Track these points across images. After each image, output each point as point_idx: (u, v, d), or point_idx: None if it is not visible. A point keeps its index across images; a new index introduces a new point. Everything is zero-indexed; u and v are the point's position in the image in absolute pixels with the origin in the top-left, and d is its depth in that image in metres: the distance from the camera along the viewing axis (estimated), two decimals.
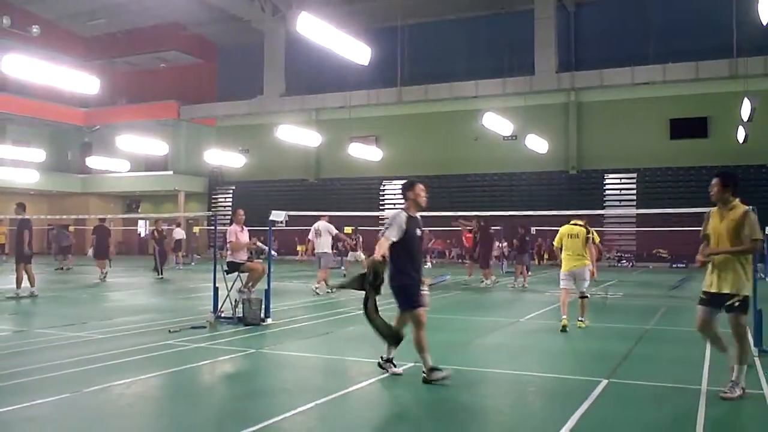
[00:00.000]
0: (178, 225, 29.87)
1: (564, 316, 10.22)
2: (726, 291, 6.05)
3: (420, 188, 6.81)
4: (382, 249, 6.42)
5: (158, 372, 7.11)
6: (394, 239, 6.47)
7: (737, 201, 6.25)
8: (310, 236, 16.49)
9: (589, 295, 10.97)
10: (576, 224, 10.62)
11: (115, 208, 42.98)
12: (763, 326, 8.19)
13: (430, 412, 5.67)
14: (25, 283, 14.59)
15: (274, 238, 33.14)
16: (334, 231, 16.43)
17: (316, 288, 15.75)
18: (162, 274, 21.08)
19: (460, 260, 30.13)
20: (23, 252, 14.47)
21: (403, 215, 6.63)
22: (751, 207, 6.26)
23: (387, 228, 6.56)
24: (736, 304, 6.01)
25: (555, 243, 10.89)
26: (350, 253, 22.81)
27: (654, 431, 5.20)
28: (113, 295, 16.08)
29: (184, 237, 29.17)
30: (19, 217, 14.69)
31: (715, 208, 6.36)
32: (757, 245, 6.07)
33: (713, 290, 6.13)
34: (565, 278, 10.56)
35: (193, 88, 40.70)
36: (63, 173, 40.41)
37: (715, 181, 6.31)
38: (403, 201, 6.88)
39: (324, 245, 16.03)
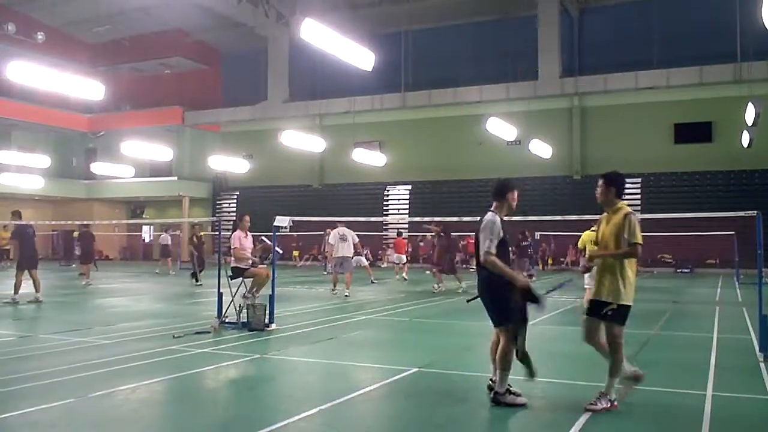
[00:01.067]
0: (167, 230, 29.68)
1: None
2: (603, 298, 5.84)
3: (516, 193, 6.17)
4: (506, 269, 5.81)
5: (162, 377, 7.11)
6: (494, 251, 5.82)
7: (622, 203, 5.99)
8: (332, 240, 17.12)
9: None
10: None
11: (119, 214, 43.08)
12: None
13: (434, 419, 5.66)
14: (30, 289, 14.63)
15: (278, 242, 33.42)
16: (357, 238, 17.15)
17: (346, 293, 16.42)
18: (200, 280, 20.59)
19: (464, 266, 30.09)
20: (22, 258, 14.62)
21: (499, 220, 5.93)
22: (632, 210, 5.96)
23: (489, 240, 5.80)
24: (609, 312, 5.81)
25: (579, 245, 11.72)
26: (355, 258, 22.82)
27: None
28: (117, 300, 16.10)
29: (169, 243, 28.78)
30: (16, 223, 14.90)
31: (605, 213, 6.07)
32: (636, 249, 5.71)
33: (594, 297, 5.93)
34: (591, 277, 10.87)
35: (197, 94, 40.81)
36: (67, 179, 40.51)
37: (599, 182, 6.07)
38: (495, 202, 6.09)
39: (348, 250, 16.66)
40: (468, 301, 6.53)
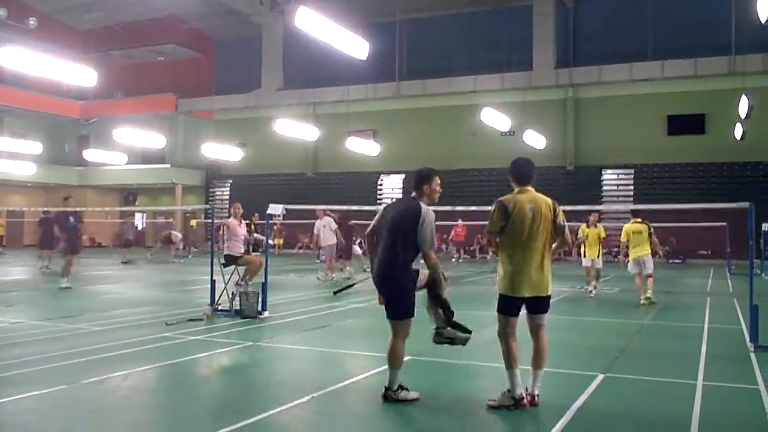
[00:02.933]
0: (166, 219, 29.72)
1: (641, 294, 13.23)
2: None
3: (437, 182, 5.91)
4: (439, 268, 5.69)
5: (155, 364, 7.11)
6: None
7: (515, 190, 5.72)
8: (317, 230, 18.15)
9: (653, 275, 13.63)
10: (637, 222, 13.52)
11: (112, 201, 42.93)
12: (760, 322, 8.19)
13: (427, 405, 5.68)
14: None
15: (277, 231, 33.36)
16: (334, 225, 18.07)
17: (327, 277, 17.40)
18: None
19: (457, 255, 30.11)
20: (64, 245, 15.41)
21: (432, 212, 5.69)
22: (502, 198, 5.64)
23: (431, 233, 5.60)
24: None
25: (622, 238, 13.67)
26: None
27: (649, 425, 5.21)
28: (110, 287, 16.06)
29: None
30: (58, 210, 15.72)
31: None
32: (484, 235, 5.76)
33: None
34: (634, 265, 13.44)
35: (190, 81, 40.59)
36: (60, 166, 40.30)
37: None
38: (416, 192, 5.86)
39: (330, 238, 17.82)
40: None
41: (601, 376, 6.62)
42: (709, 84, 30.14)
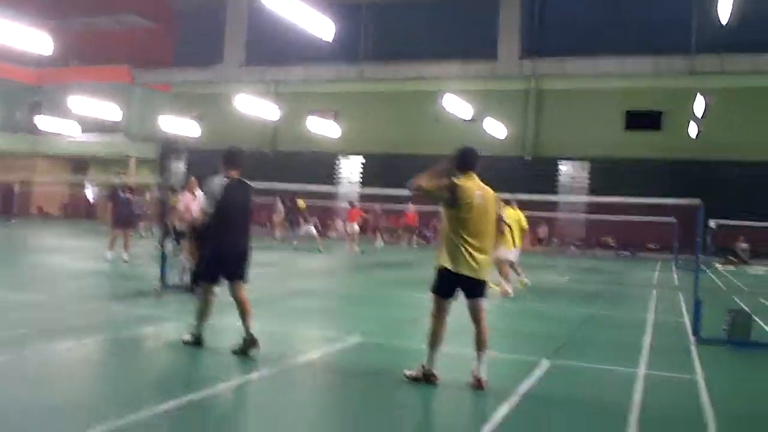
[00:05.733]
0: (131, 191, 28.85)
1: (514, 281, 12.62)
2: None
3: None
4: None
5: (101, 337, 7.00)
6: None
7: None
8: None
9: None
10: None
11: (62, 170, 41.88)
12: (703, 316, 8.41)
13: (374, 387, 5.71)
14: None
15: None
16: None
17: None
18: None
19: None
20: (113, 219, 15.50)
21: (224, 184, 6.48)
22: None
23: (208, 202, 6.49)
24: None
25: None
26: (302, 227, 22.76)
27: (591, 411, 5.34)
28: (58, 259, 15.70)
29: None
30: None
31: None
32: (416, 185, 5.83)
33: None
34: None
35: (149, 52, 39.70)
36: (11, 132, 39.14)
37: None
38: (233, 170, 6.68)
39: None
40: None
41: (546, 362, 6.74)
42: (668, 82, 30.74)
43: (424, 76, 33.27)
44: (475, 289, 5.71)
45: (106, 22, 39.89)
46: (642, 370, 6.66)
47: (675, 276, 19.42)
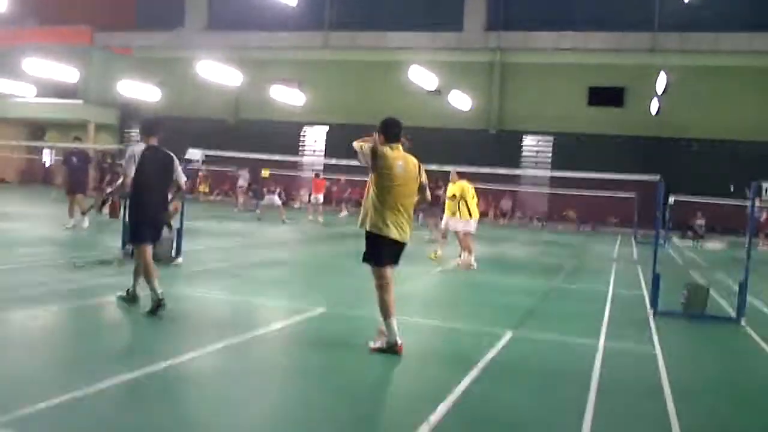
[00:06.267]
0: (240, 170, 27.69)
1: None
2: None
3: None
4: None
5: (62, 305, 6.87)
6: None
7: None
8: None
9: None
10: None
11: (18, 135, 40.70)
12: (661, 290, 8.60)
13: (334, 361, 5.72)
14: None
15: (203, 177, 32.44)
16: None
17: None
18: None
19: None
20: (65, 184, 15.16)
21: (140, 150, 6.82)
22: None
23: (127, 167, 6.81)
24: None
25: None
26: (266, 197, 22.58)
27: (553, 380, 5.43)
28: (15, 225, 15.31)
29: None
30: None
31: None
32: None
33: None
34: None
35: (109, 14, 38.54)
36: None
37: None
38: (155, 138, 7.08)
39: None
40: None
41: (509, 333, 6.82)
42: (630, 58, 31.03)
43: (389, 46, 33.03)
44: (397, 252, 5.91)
45: None
46: (602, 341, 6.79)
47: (635, 250, 19.79)
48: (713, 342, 7.62)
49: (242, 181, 27.24)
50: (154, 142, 7.04)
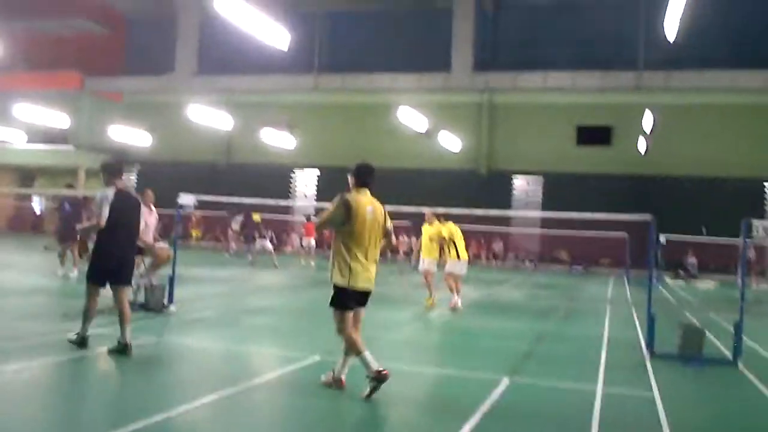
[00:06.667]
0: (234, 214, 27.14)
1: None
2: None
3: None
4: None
5: (51, 358, 6.75)
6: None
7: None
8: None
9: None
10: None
11: (8, 182, 40.60)
12: (656, 331, 8.57)
13: (334, 407, 5.64)
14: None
15: (195, 222, 32.30)
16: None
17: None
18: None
19: None
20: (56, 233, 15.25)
21: (111, 194, 7.03)
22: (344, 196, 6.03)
23: (100, 209, 7.01)
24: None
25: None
26: (257, 241, 22.51)
27: (553, 428, 5.36)
28: (4, 275, 15.15)
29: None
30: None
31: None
32: (316, 225, 6.39)
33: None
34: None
35: (99, 59, 38.83)
36: None
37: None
38: (109, 178, 7.25)
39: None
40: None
41: (506, 380, 6.75)
42: (616, 97, 31.47)
43: (378, 88, 33.38)
44: (364, 298, 6.05)
45: (56, 26, 38.81)
46: (600, 386, 6.73)
47: (627, 291, 19.78)
48: (711, 385, 7.56)
49: (235, 225, 27.15)
50: (120, 184, 7.23)
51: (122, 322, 7.02)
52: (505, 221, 31.26)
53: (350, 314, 5.92)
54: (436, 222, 12.83)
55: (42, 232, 33.52)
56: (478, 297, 15.69)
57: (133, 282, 10.29)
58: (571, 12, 32.63)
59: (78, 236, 12.22)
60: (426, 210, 13.00)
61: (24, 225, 40.22)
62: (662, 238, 20.87)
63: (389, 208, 12.70)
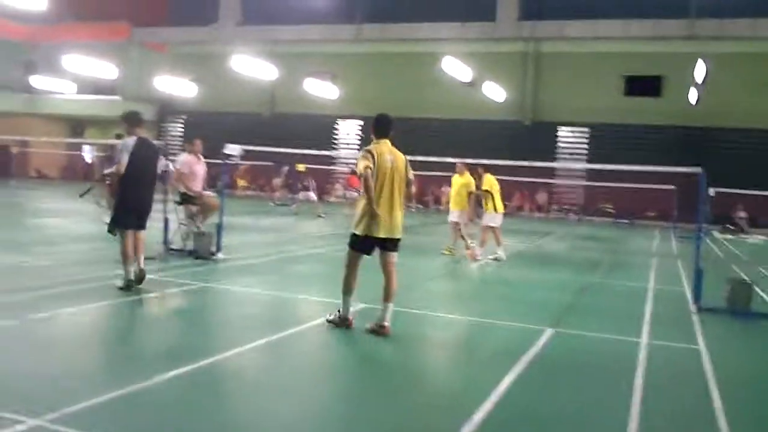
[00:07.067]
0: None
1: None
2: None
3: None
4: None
5: (106, 301, 7.00)
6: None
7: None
8: None
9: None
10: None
11: (58, 131, 41.53)
12: (703, 285, 8.47)
13: (376, 355, 5.76)
14: None
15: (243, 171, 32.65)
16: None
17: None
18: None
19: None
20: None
21: (131, 142, 7.52)
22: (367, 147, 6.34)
23: (120, 156, 7.49)
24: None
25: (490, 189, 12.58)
26: (301, 193, 22.71)
27: (597, 379, 5.39)
28: (58, 221, 15.66)
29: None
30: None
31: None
32: (360, 179, 6.23)
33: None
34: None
35: (145, 10, 39.06)
36: (4, 91, 38.66)
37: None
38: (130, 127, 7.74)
39: None
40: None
41: (550, 330, 6.79)
42: (667, 46, 30.48)
43: (421, 37, 32.92)
44: (389, 244, 6.28)
45: None
46: (645, 338, 6.73)
47: (674, 244, 19.49)
48: (758, 339, 7.49)
49: (279, 178, 27.42)
50: (141, 133, 7.70)
51: (137, 254, 7.62)
52: (550, 172, 30.92)
53: (359, 258, 6.28)
54: (467, 173, 12.74)
55: (94, 181, 34.24)
56: (523, 248, 15.66)
57: (182, 229, 10.62)
58: None
59: (106, 181, 12.45)
60: (456, 160, 12.87)
61: (75, 173, 41.23)
62: (711, 191, 20.41)
63: (432, 158, 12.77)
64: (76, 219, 16.38)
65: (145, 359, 5.19)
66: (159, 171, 8.19)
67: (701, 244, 8.91)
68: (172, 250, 10.49)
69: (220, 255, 10.40)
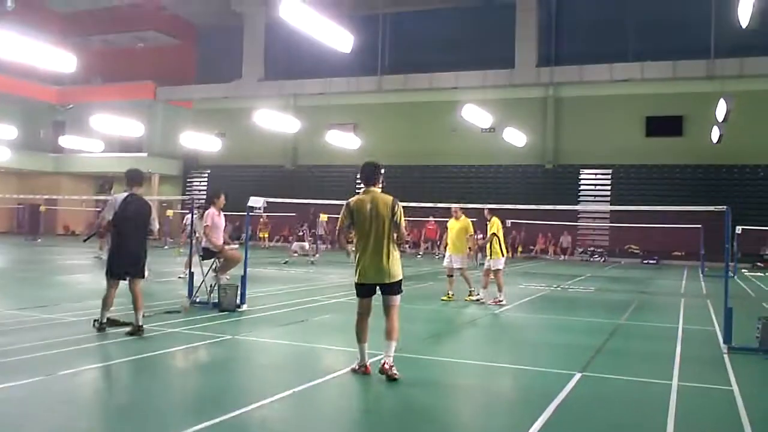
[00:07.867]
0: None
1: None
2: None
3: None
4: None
5: (132, 357, 7.05)
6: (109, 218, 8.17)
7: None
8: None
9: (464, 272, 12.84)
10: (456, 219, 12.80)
11: (86, 189, 42.34)
12: (733, 324, 8.31)
13: (403, 403, 5.70)
14: None
15: (263, 224, 32.93)
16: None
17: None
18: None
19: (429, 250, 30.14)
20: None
21: (120, 198, 8.17)
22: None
23: (107, 212, 8.19)
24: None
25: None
26: (294, 243, 22.83)
27: (627, 425, 5.28)
28: (85, 277, 15.85)
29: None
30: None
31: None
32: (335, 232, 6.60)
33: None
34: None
35: (170, 69, 40.15)
36: (35, 151, 39.63)
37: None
38: (134, 186, 8.40)
39: None
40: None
41: (578, 375, 6.68)
42: (687, 86, 30.51)
43: (441, 86, 33.34)
44: (387, 287, 6.48)
45: (128, 39, 40.37)
46: (676, 381, 6.59)
47: (702, 284, 19.17)
48: None
49: (299, 236, 27.57)
50: (137, 190, 8.31)
51: (136, 309, 8.06)
52: (573, 215, 30.79)
53: (367, 301, 6.52)
54: (463, 217, 12.76)
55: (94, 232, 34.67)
56: (548, 292, 15.50)
57: (207, 283, 10.70)
58: (636, 1, 31.83)
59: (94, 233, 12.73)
60: (453, 205, 12.92)
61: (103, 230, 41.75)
62: (738, 229, 20.15)
63: (454, 205, 12.75)
64: (101, 275, 16.48)
65: (170, 413, 5.20)
66: (158, 226, 8.72)
67: (730, 282, 8.77)
68: (197, 303, 10.56)
69: (244, 306, 10.45)
